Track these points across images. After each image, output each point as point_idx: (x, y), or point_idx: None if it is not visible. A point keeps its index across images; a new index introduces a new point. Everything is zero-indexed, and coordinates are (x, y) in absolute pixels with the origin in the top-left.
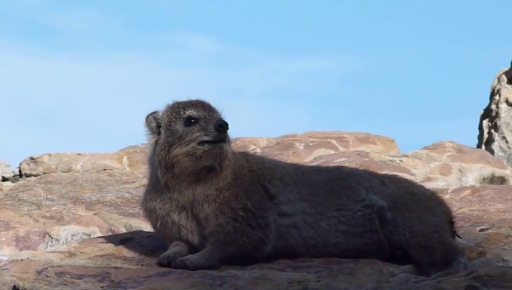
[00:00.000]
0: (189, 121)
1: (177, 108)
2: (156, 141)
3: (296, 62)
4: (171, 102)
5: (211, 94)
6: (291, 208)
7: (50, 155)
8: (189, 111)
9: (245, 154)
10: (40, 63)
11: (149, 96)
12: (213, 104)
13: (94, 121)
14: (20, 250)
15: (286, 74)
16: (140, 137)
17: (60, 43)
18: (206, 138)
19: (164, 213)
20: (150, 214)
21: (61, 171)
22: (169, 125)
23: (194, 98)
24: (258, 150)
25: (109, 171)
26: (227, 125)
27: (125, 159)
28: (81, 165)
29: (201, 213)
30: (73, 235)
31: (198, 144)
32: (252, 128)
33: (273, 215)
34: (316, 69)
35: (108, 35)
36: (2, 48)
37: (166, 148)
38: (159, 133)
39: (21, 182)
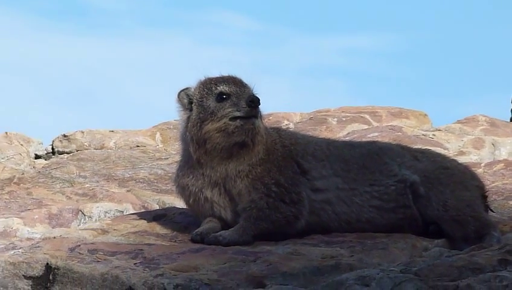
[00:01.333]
0: (221, 97)
1: (208, 84)
2: (188, 117)
3: (331, 40)
4: (203, 78)
5: (247, 72)
6: (325, 183)
7: (83, 132)
8: (221, 87)
9: (278, 130)
10: (76, 41)
11: (185, 74)
12: (246, 80)
13: (129, 99)
14: (52, 228)
15: (321, 51)
16: (174, 114)
17: (97, 21)
18: (237, 114)
19: (197, 189)
20: (182, 191)
21: (94, 149)
22: (201, 101)
23: (226, 75)
24: (291, 126)
25: (142, 148)
26: (259, 100)
27: (158, 135)
28: (114, 142)
29: (234, 189)
30: (106, 212)
31: (230, 119)
32: (287, 105)
33: (306, 190)
34: (351, 47)
35: (146, 13)
36: (38, 26)
37: (198, 124)
38: (191, 110)
39: (54, 159)
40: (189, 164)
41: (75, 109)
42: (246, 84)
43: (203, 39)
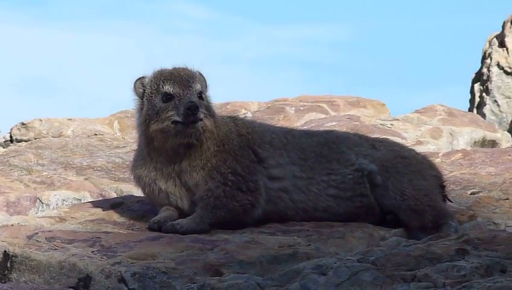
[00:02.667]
0: (166, 97)
1: (158, 79)
2: (141, 109)
3: (287, 30)
4: (157, 69)
5: (204, 62)
6: (281, 171)
7: (41, 120)
8: (166, 86)
9: (234, 119)
10: (31, 32)
11: (142, 65)
12: (202, 71)
13: (86, 89)
14: (10, 215)
15: (278, 41)
16: (132, 103)
17: (52, 12)
18: (177, 118)
19: (150, 181)
20: (137, 181)
21: (52, 137)
22: (150, 97)
23: (179, 67)
24: (249, 115)
25: (100, 136)
26: (197, 108)
27: (115, 124)
28: (71, 130)
29: (190, 181)
30: (63, 200)
31: (172, 122)
32: (244, 94)
33: (263, 179)
34: (307, 36)
35: (100, 4)
36: None
37: (147, 121)
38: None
39: (12, 147)
40: (142, 155)
41: (34, 97)
42: (191, 85)
43: (161, 29)
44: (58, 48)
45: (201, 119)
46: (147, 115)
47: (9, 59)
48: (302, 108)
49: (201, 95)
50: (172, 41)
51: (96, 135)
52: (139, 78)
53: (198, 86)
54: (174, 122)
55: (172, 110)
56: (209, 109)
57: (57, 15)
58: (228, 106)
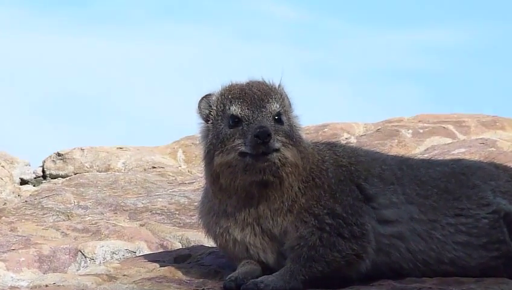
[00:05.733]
0: (233, 121)
1: (225, 98)
2: (207, 136)
3: (400, 35)
4: (227, 84)
5: (291, 74)
6: (395, 213)
7: (82, 150)
8: (233, 107)
9: (332, 145)
10: (72, 38)
11: (211, 79)
12: (287, 86)
13: (140, 110)
14: (44, 273)
15: (389, 49)
16: (197, 127)
17: (93, 14)
18: (244, 149)
19: (222, 230)
20: (207, 229)
21: (97, 171)
22: (216, 120)
23: (255, 81)
24: (353, 140)
25: (160, 170)
26: (268, 135)
27: (180, 153)
28: (123, 163)
29: (275, 228)
30: (113, 252)
31: (239, 154)
32: (346, 114)
33: (371, 222)
34: (426, 43)
35: (158, 3)
36: (16, 21)
37: (211, 152)
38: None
39: (45, 185)
40: (208, 196)
41: (72, 122)
42: (264, 105)
43: (235, 34)
44: (100, 59)
45: (276, 150)
46: (211, 144)
47: (39, 74)
48: (421, 130)
49: (279, 118)
50: (250, 49)
51: (154, 167)
52: (205, 96)
53: (275, 106)
54: (242, 153)
55: (240, 138)
56: (290, 135)
57: (100, 18)
58: (325, 129)
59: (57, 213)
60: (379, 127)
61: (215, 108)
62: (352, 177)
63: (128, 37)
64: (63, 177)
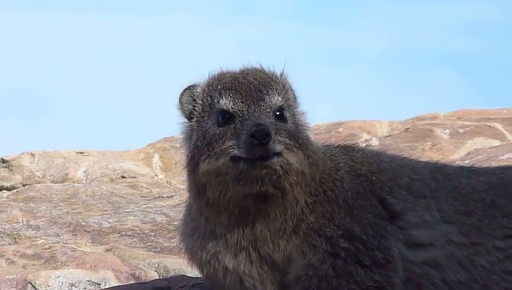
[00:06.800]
0: (223, 117)
1: (213, 89)
2: (191, 137)
3: (432, 8)
4: (215, 72)
5: (295, 58)
6: (428, 234)
7: (32, 155)
8: (224, 100)
9: (348, 149)
10: (20, 15)
11: (198, 64)
12: (290, 74)
13: (103, 106)
14: None
15: (418, 26)
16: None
17: None
18: (237, 153)
19: (209, 256)
20: (190, 254)
21: (52, 181)
22: (202, 117)
23: (250, 68)
24: (374, 142)
25: (130, 180)
26: (267, 135)
27: (156, 159)
28: (83, 171)
29: (276, 253)
30: (72, 284)
31: (231, 159)
32: (365, 110)
33: (398, 246)
34: (467, 18)
35: None
36: None
37: (196, 156)
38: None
39: None
40: (192, 212)
41: (18, 120)
42: (262, 97)
43: (229, 10)
44: (47, 38)
45: (278, 153)
46: (195, 146)
47: None
48: (461, 130)
49: (282, 114)
50: (243, 26)
51: (124, 177)
52: (188, 88)
53: (275, 99)
54: (234, 158)
55: (232, 138)
56: (295, 135)
57: None
58: (340, 129)
59: (1, 235)
60: (408, 126)
61: (200, 102)
62: (373, 189)
63: (90, 13)
64: (8, 189)
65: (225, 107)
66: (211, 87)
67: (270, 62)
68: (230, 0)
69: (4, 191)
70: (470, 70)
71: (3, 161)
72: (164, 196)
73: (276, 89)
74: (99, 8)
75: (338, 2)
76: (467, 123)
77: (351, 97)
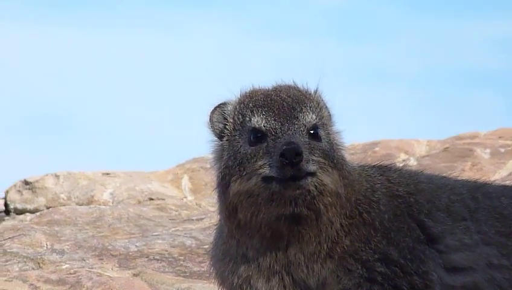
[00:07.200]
0: (256, 136)
1: (244, 107)
2: (221, 157)
3: (473, 25)
4: (246, 90)
5: (334, 76)
6: (468, 257)
7: (57, 177)
8: (256, 118)
9: (385, 169)
10: (39, 35)
11: (230, 82)
12: (325, 92)
13: (129, 126)
14: None
15: (458, 44)
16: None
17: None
18: (269, 173)
19: (240, 281)
20: (221, 279)
21: (77, 203)
22: (233, 136)
23: (283, 85)
24: (412, 162)
25: (159, 202)
26: (298, 154)
27: (185, 180)
28: (110, 193)
29: (310, 278)
30: None
31: (263, 180)
32: (402, 129)
33: (437, 270)
34: (508, 36)
35: None
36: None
37: (227, 177)
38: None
39: (8, 222)
40: (223, 236)
41: (42, 142)
42: (296, 115)
43: (258, 24)
44: (73, 59)
45: (311, 173)
46: (226, 166)
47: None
48: (502, 149)
49: (316, 132)
50: (277, 45)
51: (152, 199)
52: (218, 106)
53: (309, 117)
54: (266, 178)
55: (263, 157)
56: (330, 155)
57: (72, 12)
58: (376, 148)
59: (24, 260)
60: (447, 145)
61: (231, 120)
62: (411, 211)
63: (112, 31)
64: (31, 212)
65: (257, 126)
66: (242, 105)
67: (304, 79)
68: (263, 16)
69: (27, 213)
70: (509, 89)
71: (26, 183)
72: (193, 218)
73: (310, 107)
74: (127, 23)
75: (375, 19)
76: (508, 142)
77: (388, 116)
